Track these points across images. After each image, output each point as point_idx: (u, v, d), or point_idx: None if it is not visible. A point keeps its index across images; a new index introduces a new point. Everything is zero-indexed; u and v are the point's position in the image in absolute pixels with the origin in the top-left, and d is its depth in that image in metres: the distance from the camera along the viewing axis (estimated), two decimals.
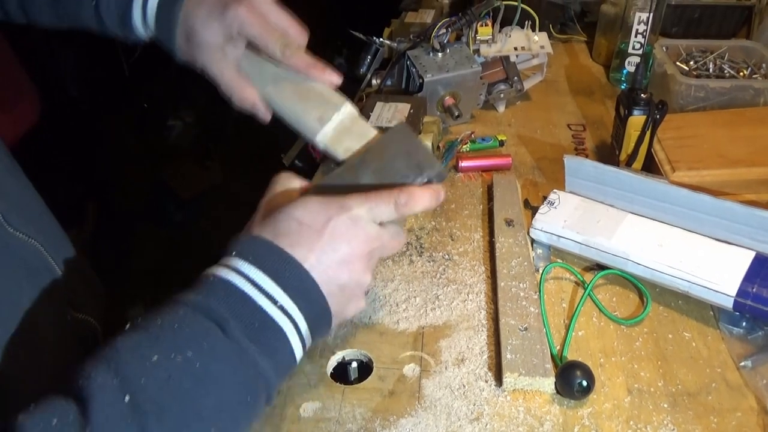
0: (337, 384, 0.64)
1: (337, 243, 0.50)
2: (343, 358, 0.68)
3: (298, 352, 0.49)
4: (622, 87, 1.21)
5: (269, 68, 0.62)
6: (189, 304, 0.45)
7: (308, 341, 0.50)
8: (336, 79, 0.61)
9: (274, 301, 0.47)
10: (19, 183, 0.63)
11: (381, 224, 0.53)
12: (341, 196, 0.52)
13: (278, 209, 0.51)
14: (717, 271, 0.68)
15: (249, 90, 0.62)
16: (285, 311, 0.47)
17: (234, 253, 0.48)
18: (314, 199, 0.51)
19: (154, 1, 0.63)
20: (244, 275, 0.47)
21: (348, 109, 0.61)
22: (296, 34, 0.63)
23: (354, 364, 0.67)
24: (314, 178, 0.95)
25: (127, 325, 0.44)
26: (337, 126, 0.60)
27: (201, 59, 0.63)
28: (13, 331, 0.53)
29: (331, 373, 0.66)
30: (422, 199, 0.53)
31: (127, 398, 0.40)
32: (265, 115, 0.65)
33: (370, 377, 0.64)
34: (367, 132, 0.60)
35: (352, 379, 0.67)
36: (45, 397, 0.40)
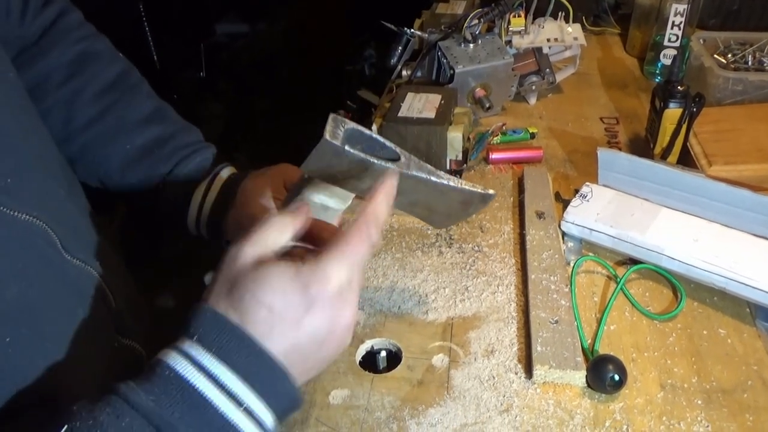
0: (366, 372, 0.64)
1: (317, 330, 0.44)
2: (372, 347, 0.68)
3: None
4: (657, 80, 1.19)
5: None
6: (138, 409, 0.39)
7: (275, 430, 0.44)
8: None
9: (240, 404, 0.41)
10: (79, 206, 0.62)
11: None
12: (316, 253, 0.45)
13: (245, 288, 0.43)
14: (755, 267, 0.67)
15: None
16: (250, 413, 0.42)
17: (196, 337, 0.42)
18: (285, 276, 0.43)
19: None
20: (206, 372, 0.41)
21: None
22: None
23: (383, 353, 0.67)
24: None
25: (64, 429, 0.39)
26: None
27: None
28: (62, 359, 0.52)
29: (359, 361, 0.66)
30: (382, 209, 0.48)
31: None
32: None
33: (398, 367, 0.65)
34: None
35: (381, 368, 0.67)
36: None
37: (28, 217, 0.51)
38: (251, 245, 0.45)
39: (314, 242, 0.50)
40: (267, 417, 0.42)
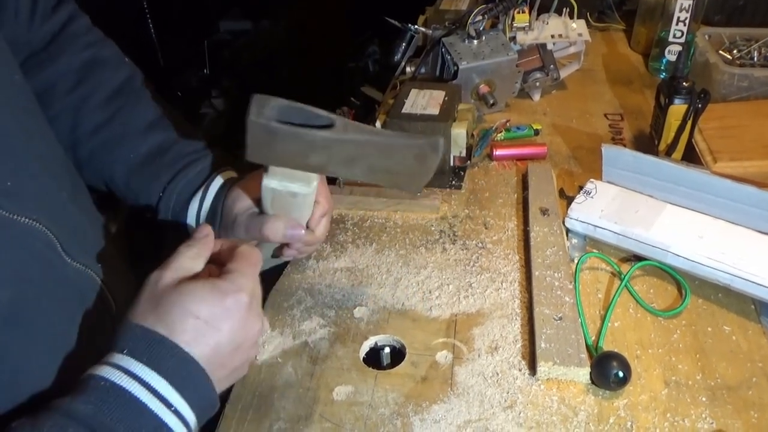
0: (370, 369, 0.64)
1: (235, 335, 0.49)
2: (376, 343, 0.68)
3: None
4: (662, 76, 1.19)
5: None
6: (77, 418, 0.42)
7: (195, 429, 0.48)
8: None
9: (169, 406, 0.45)
10: (83, 210, 0.62)
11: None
12: (229, 273, 0.50)
13: (171, 302, 0.47)
14: (760, 263, 0.66)
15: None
16: (179, 414, 0.46)
17: (126, 350, 0.46)
18: (206, 288, 0.49)
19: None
20: (139, 379, 0.45)
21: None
22: None
23: (387, 350, 0.67)
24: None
25: None
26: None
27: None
28: (60, 362, 0.52)
29: (363, 358, 0.66)
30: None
31: None
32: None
33: (402, 363, 0.65)
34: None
35: (385, 364, 0.67)
36: None
37: (27, 220, 0.51)
38: (171, 271, 0.50)
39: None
40: (191, 417, 0.47)
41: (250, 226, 0.63)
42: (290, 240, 0.64)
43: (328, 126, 0.55)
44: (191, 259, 0.52)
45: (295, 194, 0.60)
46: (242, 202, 0.66)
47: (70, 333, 0.54)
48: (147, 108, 0.71)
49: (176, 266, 0.50)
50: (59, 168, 0.61)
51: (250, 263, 0.52)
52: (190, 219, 0.70)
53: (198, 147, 0.73)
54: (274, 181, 0.59)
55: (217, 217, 0.67)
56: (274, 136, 0.53)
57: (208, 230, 0.54)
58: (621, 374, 0.59)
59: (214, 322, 0.48)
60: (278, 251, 0.68)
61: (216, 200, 0.69)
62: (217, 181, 0.70)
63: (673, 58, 1.15)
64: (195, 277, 0.50)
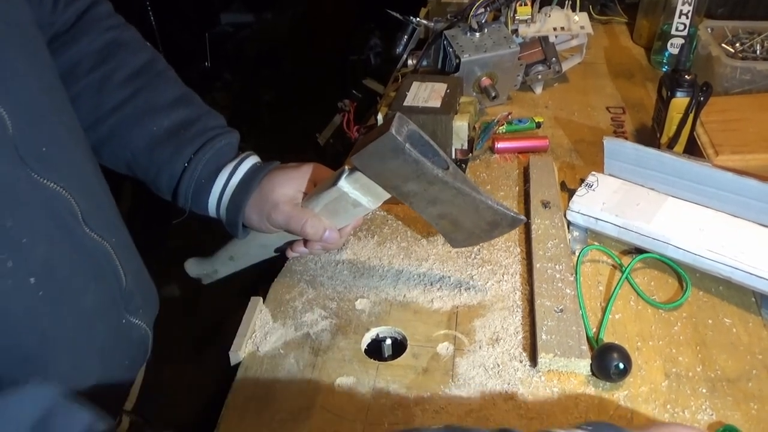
0: (372, 360, 0.64)
1: None
2: (377, 335, 0.68)
3: None
4: (664, 69, 1.18)
5: None
6: None
7: None
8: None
9: None
10: (101, 185, 0.64)
11: None
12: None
13: None
14: (760, 256, 0.66)
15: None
16: None
17: None
18: None
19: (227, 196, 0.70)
20: None
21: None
22: None
23: (388, 341, 0.68)
24: (347, 161, 0.95)
25: None
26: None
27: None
28: (70, 330, 0.54)
29: (365, 349, 0.66)
30: None
31: None
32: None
33: (404, 354, 0.65)
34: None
35: (386, 355, 0.67)
36: None
37: (55, 186, 0.53)
38: None
39: None
40: None
41: (293, 217, 0.65)
42: (323, 242, 0.67)
43: (443, 168, 0.58)
44: None
45: (358, 205, 0.64)
46: (285, 189, 0.67)
47: (84, 299, 0.56)
48: (170, 86, 0.73)
49: None
50: (84, 142, 0.64)
51: None
52: (215, 191, 0.70)
53: (223, 122, 0.74)
54: (349, 187, 0.61)
55: (249, 194, 0.68)
56: (399, 154, 0.55)
57: None
58: (621, 366, 0.59)
59: None
60: (291, 247, 0.69)
61: (250, 177, 0.69)
62: (253, 158, 0.71)
63: (675, 51, 1.15)
64: None
